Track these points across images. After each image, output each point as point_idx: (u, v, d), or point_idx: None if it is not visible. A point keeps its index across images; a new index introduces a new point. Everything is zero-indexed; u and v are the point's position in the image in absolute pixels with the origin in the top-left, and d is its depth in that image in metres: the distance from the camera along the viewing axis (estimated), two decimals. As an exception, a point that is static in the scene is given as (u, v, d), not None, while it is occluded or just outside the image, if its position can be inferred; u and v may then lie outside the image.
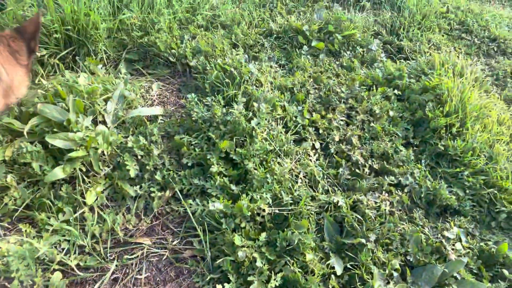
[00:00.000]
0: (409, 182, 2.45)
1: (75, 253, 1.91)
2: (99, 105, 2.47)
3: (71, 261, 1.86)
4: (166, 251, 2.04)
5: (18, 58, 2.10)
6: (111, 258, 1.96)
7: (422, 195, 2.42)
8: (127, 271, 1.94)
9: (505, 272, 2.09)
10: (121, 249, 2.01)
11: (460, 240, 2.25)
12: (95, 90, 2.48)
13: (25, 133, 2.16)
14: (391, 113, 2.85)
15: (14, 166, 2.13)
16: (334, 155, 2.56)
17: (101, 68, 2.84)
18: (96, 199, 2.11)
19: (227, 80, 2.80)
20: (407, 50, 3.75)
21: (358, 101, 2.94)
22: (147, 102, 2.78)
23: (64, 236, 1.95)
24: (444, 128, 2.79)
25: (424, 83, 3.05)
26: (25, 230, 1.90)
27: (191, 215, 2.11)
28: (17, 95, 2.10)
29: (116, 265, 1.94)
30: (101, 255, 1.95)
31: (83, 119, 2.30)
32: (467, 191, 2.49)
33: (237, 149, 2.37)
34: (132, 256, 1.99)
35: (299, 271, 1.92)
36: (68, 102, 2.35)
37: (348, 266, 2.03)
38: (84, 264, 1.90)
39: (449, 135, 2.78)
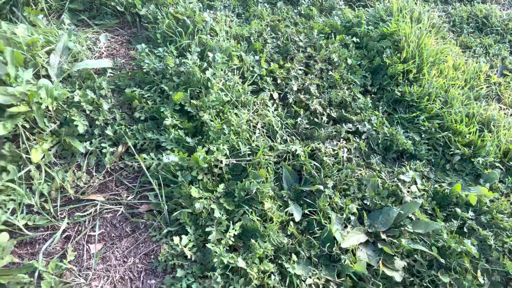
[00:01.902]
0: (366, 129, 2.45)
1: (22, 212, 1.82)
2: (41, 57, 2.29)
3: (18, 221, 1.76)
4: (121, 207, 1.97)
5: None
6: (62, 216, 1.88)
7: (379, 141, 2.43)
8: (80, 229, 1.87)
9: (458, 210, 2.16)
10: (73, 207, 1.92)
11: (416, 183, 2.30)
12: (35, 42, 2.29)
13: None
14: (349, 61, 2.81)
15: None
16: (293, 105, 2.52)
17: (42, 18, 2.62)
18: (43, 156, 1.99)
19: (180, 29, 2.66)
20: (366, -2, 3.68)
21: (317, 50, 2.87)
22: (94, 54, 2.61)
23: (9, 195, 1.84)
24: (401, 75, 2.79)
25: (382, 30, 3.01)
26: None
27: (145, 169, 2.04)
28: None
29: (67, 223, 1.86)
30: (51, 214, 1.87)
31: (23, 72, 2.13)
32: (423, 136, 2.53)
33: (192, 100, 2.28)
34: (85, 214, 1.91)
35: (258, 220, 1.92)
36: (6, 55, 2.17)
37: (306, 212, 2.03)
38: (33, 223, 1.82)
39: (406, 81, 2.78)
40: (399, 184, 2.24)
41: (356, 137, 2.43)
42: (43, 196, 1.90)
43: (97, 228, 1.88)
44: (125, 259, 1.81)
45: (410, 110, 2.67)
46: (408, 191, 2.22)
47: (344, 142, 2.37)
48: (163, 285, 1.74)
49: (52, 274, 1.66)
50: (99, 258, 1.79)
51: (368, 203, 2.13)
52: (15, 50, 2.19)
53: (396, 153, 2.46)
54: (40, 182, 1.91)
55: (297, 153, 2.21)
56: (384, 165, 2.36)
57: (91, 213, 1.92)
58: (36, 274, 1.65)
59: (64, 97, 2.18)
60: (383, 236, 2.00)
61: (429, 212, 2.19)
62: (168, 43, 2.64)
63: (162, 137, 2.15)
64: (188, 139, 2.13)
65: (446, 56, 3.02)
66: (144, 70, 2.40)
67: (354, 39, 2.98)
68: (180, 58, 2.49)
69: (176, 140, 2.14)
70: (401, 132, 2.47)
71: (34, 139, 2.03)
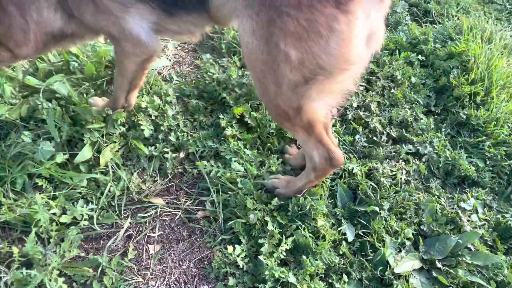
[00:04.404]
0: (427, 151, 2.39)
1: (91, 210, 1.94)
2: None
3: (86, 216, 1.89)
4: (179, 211, 2.06)
5: None
6: (125, 216, 2.00)
7: (440, 165, 2.36)
8: (141, 229, 1.98)
9: (521, 245, 2.06)
10: (135, 208, 2.04)
11: (477, 212, 2.21)
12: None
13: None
14: (413, 79, 2.75)
15: (30, 123, 2.15)
16: (351, 122, 2.50)
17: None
18: (112, 157, 2.12)
19: (244, 41, 2.72)
20: (434, 14, 3.57)
21: (380, 66, 2.84)
22: (162, 61, 2.74)
23: (80, 193, 1.99)
24: (467, 97, 2.69)
25: (450, 49, 2.92)
26: (41, 185, 1.93)
27: (205, 176, 2.12)
28: None
29: (130, 223, 1.97)
30: (115, 212, 1.99)
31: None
32: (487, 162, 2.43)
33: (252, 113, 2.33)
34: (146, 215, 2.02)
35: (310, 236, 1.93)
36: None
37: (360, 233, 2.02)
38: (99, 220, 1.94)
39: (473, 104, 2.68)
40: (459, 211, 2.16)
41: (416, 159, 2.37)
42: (109, 196, 2.03)
43: (156, 230, 1.97)
44: (181, 262, 1.89)
45: (475, 135, 2.57)
46: (468, 220, 2.14)
47: (403, 163, 2.32)
48: (214, 292, 1.80)
49: (114, 271, 1.77)
50: (157, 259, 1.88)
51: (424, 229, 2.08)
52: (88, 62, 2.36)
53: (457, 179, 2.37)
54: (107, 181, 2.04)
55: (353, 171, 2.20)
56: (443, 190, 2.29)
57: (151, 215, 2.02)
58: (100, 269, 1.77)
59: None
60: (439, 265, 1.95)
61: (490, 243, 2.10)
62: (232, 54, 2.71)
63: (221, 147, 2.22)
64: (247, 151, 2.18)
65: (518, 80, 2.88)
66: (207, 81, 2.49)
67: (420, 56, 2.92)
68: (242, 69, 2.56)
69: (234, 151, 2.20)
70: (464, 157, 2.38)
71: (104, 141, 2.16)
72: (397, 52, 2.97)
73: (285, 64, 1.50)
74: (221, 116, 2.32)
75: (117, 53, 1.94)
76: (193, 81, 2.58)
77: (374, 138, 2.44)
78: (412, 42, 3.07)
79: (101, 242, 1.91)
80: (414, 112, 2.59)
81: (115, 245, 1.90)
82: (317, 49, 1.44)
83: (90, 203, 1.96)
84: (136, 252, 1.89)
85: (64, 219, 1.86)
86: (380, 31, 1.65)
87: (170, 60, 2.75)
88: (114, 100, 2.19)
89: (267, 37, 1.48)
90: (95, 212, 1.94)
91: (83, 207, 1.92)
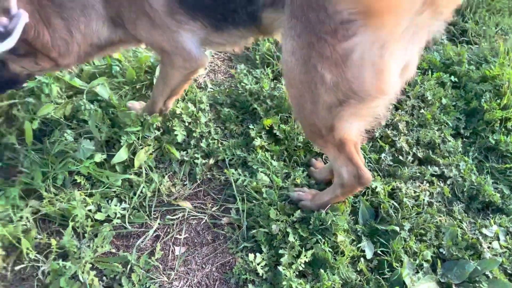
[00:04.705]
0: (453, 174, 2.40)
1: (124, 209, 2.07)
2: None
3: (119, 214, 2.02)
4: (205, 216, 2.16)
5: None
6: (155, 216, 2.11)
7: (465, 189, 2.37)
8: (168, 230, 2.09)
9: (542, 276, 2.05)
10: (165, 209, 2.15)
11: (498, 239, 2.21)
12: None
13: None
14: (444, 100, 2.76)
15: (73, 122, 2.30)
16: (378, 139, 2.54)
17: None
18: (145, 160, 2.24)
19: (278, 53, 2.80)
20: (471, 34, 3.54)
21: (411, 85, 2.85)
22: (198, 69, 2.85)
23: (115, 192, 2.11)
24: (498, 122, 2.68)
25: (484, 72, 2.90)
26: (80, 182, 2.07)
27: (233, 183, 2.21)
28: None
29: (158, 224, 2.09)
30: (146, 213, 2.10)
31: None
32: (514, 190, 2.42)
33: (281, 125, 2.41)
34: (174, 217, 2.13)
35: (329, 251, 1.98)
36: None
37: (379, 251, 2.06)
38: (130, 219, 2.06)
39: (503, 129, 2.67)
40: (480, 237, 2.17)
41: (440, 181, 2.39)
42: (140, 196, 2.15)
43: (183, 232, 2.08)
44: (204, 266, 1.99)
45: (503, 161, 2.56)
46: (488, 247, 2.15)
47: (427, 185, 2.35)
48: (234, 297, 1.89)
49: (141, 268, 1.89)
50: (182, 260, 1.99)
51: (444, 252, 2.10)
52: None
53: (481, 204, 2.37)
54: (140, 182, 2.16)
55: (376, 190, 2.24)
56: (466, 215, 2.30)
57: (179, 217, 2.13)
58: (129, 266, 1.88)
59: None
60: (456, 290, 1.97)
61: (509, 272, 2.10)
62: (265, 66, 2.80)
63: (249, 156, 2.30)
64: (274, 163, 2.26)
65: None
66: (240, 91, 2.58)
67: (452, 78, 2.92)
68: (275, 81, 2.64)
69: (262, 162, 2.28)
70: (489, 182, 2.38)
71: (140, 144, 2.28)
72: (430, 71, 2.98)
73: (321, 85, 1.57)
74: (251, 126, 2.41)
75: (165, 64, 2.05)
76: (227, 90, 2.68)
77: (400, 157, 2.47)
78: (446, 63, 3.07)
79: (131, 240, 2.03)
80: (443, 134, 2.60)
81: (144, 244, 2.02)
82: (351, 76, 1.50)
83: (123, 202, 2.09)
84: (162, 252, 2.00)
85: (99, 216, 2.00)
86: (414, 63, 1.70)
87: (205, 68, 2.85)
88: (152, 104, 2.31)
89: (306, 58, 1.56)
90: (127, 211, 2.07)
91: (116, 205, 2.05)
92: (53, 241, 1.84)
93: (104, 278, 1.88)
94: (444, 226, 2.16)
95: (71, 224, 1.91)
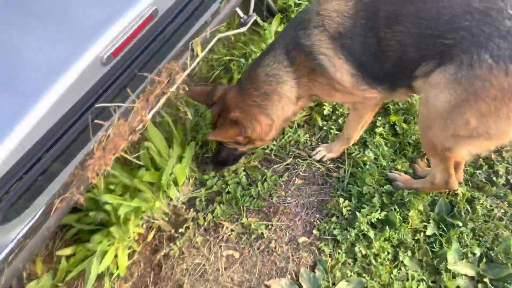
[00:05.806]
0: None
1: (274, 145, 3.15)
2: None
3: (272, 147, 3.11)
4: (323, 166, 3.08)
5: None
6: (290, 156, 3.14)
7: (542, 222, 2.73)
8: (295, 167, 3.09)
9: None
10: (297, 152, 3.15)
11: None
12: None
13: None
14: None
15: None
16: (480, 156, 3.00)
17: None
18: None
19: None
20: None
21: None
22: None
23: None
24: None
25: None
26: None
27: (345, 154, 3.07)
28: None
29: (291, 160, 3.11)
30: (286, 151, 3.14)
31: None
32: None
33: (402, 123, 3.13)
34: (302, 161, 3.11)
35: (399, 218, 2.70)
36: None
37: (438, 233, 2.67)
38: (276, 152, 3.13)
39: None
40: (535, 259, 2.56)
41: (521, 207, 2.79)
42: (287, 140, 3.19)
43: (304, 171, 3.06)
44: (310, 196, 2.94)
45: None
46: (538, 268, 2.53)
47: (506, 204, 2.78)
48: (321, 220, 2.81)
49: (271, 181, 2.95)
50: (297, 187, 2.98)
51: (492, 255, 2.56)
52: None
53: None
54: (288, 132, 3.20)
55: (457, 192, 2.81)
56: (532, 240, 2.67)
57: (305, 162, 3.11)
58: (264, 177, 2.97)
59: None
60: (488, 283, 2.47)
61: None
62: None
63: (369, 138, 3.11)
64: (385, 148, 3.03)
65: None
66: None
67: None
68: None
69: (377, 144, 3.07)
70: None
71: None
72: None
73: (461, 125, 1.97)
74: (379, 118, 3.19)
75: (356, 108, 2.61)
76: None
77: (494, 179, 2.92)
78: None
79: (272, 164, 3.11)
80: (546, 174, 2.93)
81: (278, 169, 3.07)
82: (493, 124, 1.90)
83: (275, 140, 3.16)
84: (287, 178, 3.03)
85: (258, 142, 3.12)
86: None
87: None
88: (347, 141, 2.95)
89: (455, 107, 1.93)
90: (275, 147, 3.14)
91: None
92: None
93: (248, 179, 3.01)
94: (503, 238, 2.62)
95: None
